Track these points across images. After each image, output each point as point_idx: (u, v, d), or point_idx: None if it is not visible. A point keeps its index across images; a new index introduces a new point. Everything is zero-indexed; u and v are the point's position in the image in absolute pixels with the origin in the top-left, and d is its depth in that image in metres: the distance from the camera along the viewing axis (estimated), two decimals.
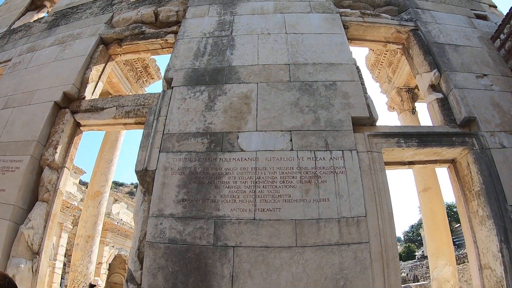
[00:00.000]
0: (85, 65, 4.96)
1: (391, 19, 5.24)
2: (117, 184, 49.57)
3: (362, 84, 4.08)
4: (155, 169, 3.44)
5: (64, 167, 4.33)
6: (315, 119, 3.68)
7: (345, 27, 4.94)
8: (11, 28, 6.87)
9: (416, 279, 16.56)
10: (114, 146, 7.24)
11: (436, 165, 4.25)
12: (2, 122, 4.52)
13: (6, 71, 5.50)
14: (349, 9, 5.31)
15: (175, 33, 5.11)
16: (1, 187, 3.91)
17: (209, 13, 5.15)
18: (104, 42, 5.42)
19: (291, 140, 3.53)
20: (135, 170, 3.54)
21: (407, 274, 18.74)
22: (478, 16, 5.56)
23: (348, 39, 4.78)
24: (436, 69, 4.48)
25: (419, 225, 27.79)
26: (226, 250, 2.95)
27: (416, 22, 5.11)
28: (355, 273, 2.84)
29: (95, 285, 5.68)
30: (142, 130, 4.44)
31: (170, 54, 4.74)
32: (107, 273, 11.72)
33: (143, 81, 7.86)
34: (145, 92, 6.90)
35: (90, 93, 4.95)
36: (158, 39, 5.19)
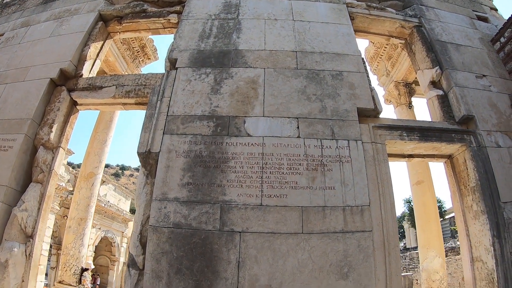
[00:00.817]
0: (83, 42, 4.76)
1: (396, 14, 5.26)
2: None
3: (368, 76, 4.10)
4: (159, 151, 3.36)
5: (60, 147, 4.17)
6: (322, 108, 3.68)
7: (351, 18, 4.92)
8: (4, 1, 6.50)
9: None
10: (109, 127, 7.00)
11: (434, 159, 4.35)
12: None
13: None
14: (355, 1, 5.29)
15: (178, 13, 4.96)
16: None
17: None
18: (103, 19, 5.20)
19: (298, 127, 3.51)
20: (138, 152, 3.44)
21: None
22: (480, 18, 5.64)
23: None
24: (438, 66, 4.55)
25: (402, 217, 28.43)
26: (232, 235, 2.93)
27: (420, 19, 5.15)
28: (358, 260, 2.89)
29: (87, 269, 5.56)
30: (141, 110, 4.33)
31: (173, 34, 4.61)
32: (93, 255, 11.54)
33: (139, 61, 7.60)
34: (141, 73, 6.68)
35: (88, 71, 4.76)
36: (160, 18, 5.01)
